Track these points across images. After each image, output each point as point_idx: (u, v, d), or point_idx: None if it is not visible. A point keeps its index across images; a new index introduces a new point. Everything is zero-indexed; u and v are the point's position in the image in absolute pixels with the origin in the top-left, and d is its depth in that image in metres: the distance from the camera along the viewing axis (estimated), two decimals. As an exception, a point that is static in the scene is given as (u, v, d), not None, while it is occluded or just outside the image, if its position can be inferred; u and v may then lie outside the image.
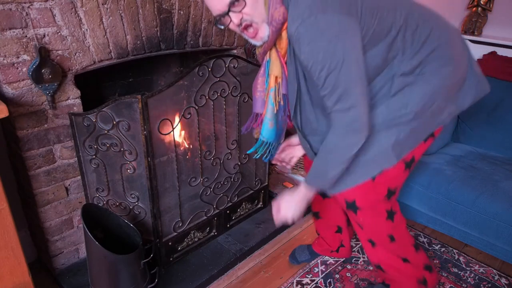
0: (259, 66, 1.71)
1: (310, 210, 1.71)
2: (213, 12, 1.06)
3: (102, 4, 1.33)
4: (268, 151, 1.33)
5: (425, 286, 1.46)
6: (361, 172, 1.19)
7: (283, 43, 1.10)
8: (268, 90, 1.21)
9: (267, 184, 2.03)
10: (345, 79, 1.00)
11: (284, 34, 1.08)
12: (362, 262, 1.81)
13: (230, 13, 1.02)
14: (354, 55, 0.99)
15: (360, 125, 1.05)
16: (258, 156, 1.33)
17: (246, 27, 1.06)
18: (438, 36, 1.12)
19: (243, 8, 1.01)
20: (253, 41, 1.11)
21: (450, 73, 1.14)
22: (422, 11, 1.13)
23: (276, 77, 1.17)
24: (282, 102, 1.21)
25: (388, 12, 1.04)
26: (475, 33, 2.37)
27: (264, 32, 1.07)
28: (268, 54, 1.18)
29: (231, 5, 1.01)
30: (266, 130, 1.26)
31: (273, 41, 1.11)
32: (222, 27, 1.09)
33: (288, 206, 1.24)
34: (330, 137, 1.10)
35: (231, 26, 1.06)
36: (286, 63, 1.14)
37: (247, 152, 1.36)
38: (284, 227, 1.99)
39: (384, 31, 1.04)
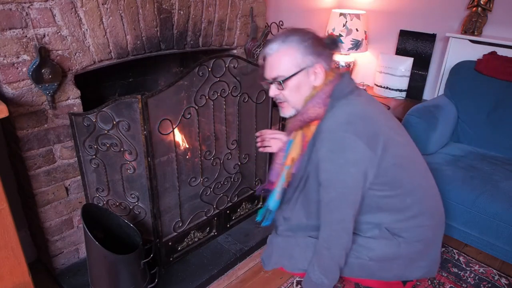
0: (259, 66, 1.73)
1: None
2: (264, 73, 1.22)
3: (102, 4, 1.33)
4: (269, 217, 1.42)
5: None
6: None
7: (310, 132, 1.21)
8: (284, 166, 1.32)
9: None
10: (342, 198, 1.11)
11: (313, 127, 1.19)
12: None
13: (271, 85, 1.21)
14: (359, 184, 1.10)
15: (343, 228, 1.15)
16: (259, 219, 1.44)
17: (278, 101, 1.25)
18: (427, 218, 1.24)
19: (281, 90, 1.19)
20: (280, 111, 1.28)
21: (421, 250, 1.23)
22: (430, 183, 1.28)
23: (293, 158, 1.28)
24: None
25: (404, 171, 1.16)
26: (475, 33, 2.37)
27: (289, 112, 1.24)
28: (293, 135, 1.30)
29: (275, 81, 1.18)
30: (273, 200, 1.36)
31: (298, 127, 1.24)
32: (265, 86, 1.26)
33: None
34: (321, 234, 1.19)
35: (269, 91, 1.23)
36: (307, 145, 1.24)
37: (256, 220, 1.47)
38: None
39: (394, 184, 1.16)
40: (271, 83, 1.20)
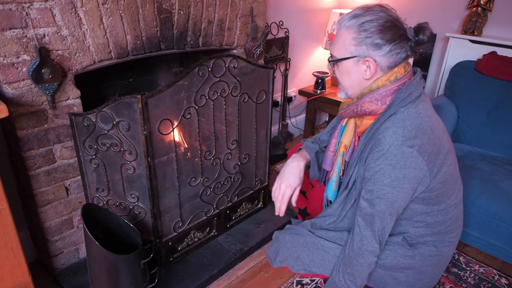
0: (259, 66, 1.72)
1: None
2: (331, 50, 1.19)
3: (102, 4, 1.33)
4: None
5: None
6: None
7: (363, 125, 1.17)
8: (337, 154, 1.28)
9: (267, 184, 2.03)
10: (389, 211, 1.08)
11: (366, 121, 1.15)
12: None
13: (330, 62, 1.17)
14: (408, 200, 1.09)
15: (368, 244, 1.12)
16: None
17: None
18: (451, 236, 1.23)
19: (334, 67, 1.17)
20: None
21: (433, 264, 1.23)
22: (462, 203, 1.27)
23: (345, 145, 1.25)
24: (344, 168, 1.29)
25: (446, 191, 1.14)
26: (475, 33, 2.37)
27: (340, 94, 1.21)
28: (345, 121, 1.27)
29: (331, 57, 1.16)
30: (330, 189, 1.33)
31: (352, 116, 1.19)
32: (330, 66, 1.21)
33: None
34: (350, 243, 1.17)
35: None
36: (358, 138, 1.21)
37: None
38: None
39: (433, 201, 1.14)
40: (329, 60, 1.17)
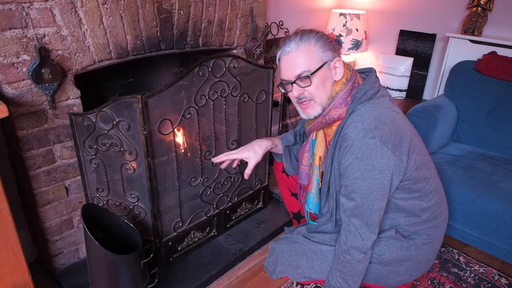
0: (259, 66, 1.72)
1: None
2: (282, 75, 1.18)
3: (102, 4, 1.33)
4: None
5: None
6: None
7: (332, 132, 1.21)
8: (313, 167, 1.31)
9: (267, 184, 2.03)
10: (366, 204, 1.11)
11: (334, 127, 1.19)
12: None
13: (294, 85, 1.16)
14: (384, 191, 1.10)
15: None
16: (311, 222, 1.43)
17: (303, 102, 1.18)
18: (440, 220, 1.26)
19: (307, 86, 1.14)
20: (301, 113, 1.23)
21: (428, 252, 1.26)
22: (441, 186, 1.32)
23: (320, 157, 1.28)
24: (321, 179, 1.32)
25: (422, 176, 1.17)
26: (475, 33, 2.37)
27: (315, 111, 1.18)
28: (314, 134, 1.30)
29: (298, 78, 1.13)
30: (312, 203, 1.35)
31: (321, 127, 1.22)
32: (283, 91, 1.21)
33: None
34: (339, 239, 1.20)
35: (290, 95, 1.19)
36: (330, 145, 1.23)
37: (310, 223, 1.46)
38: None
39: (413, 189, 1.17)
40: (293, 82, 1.15)
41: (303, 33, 1.15)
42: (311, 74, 1.13)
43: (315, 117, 1.20)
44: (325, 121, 1.18)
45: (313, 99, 1.17)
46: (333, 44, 1.15)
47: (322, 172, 1.29)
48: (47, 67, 1.24)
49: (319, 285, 1.69)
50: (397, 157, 1.08)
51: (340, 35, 2.75)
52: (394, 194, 1.15)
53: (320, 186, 1.31)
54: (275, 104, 2.77)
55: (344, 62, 1.18)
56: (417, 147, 1.15)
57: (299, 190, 1.43)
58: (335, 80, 1.16)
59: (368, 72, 1.21)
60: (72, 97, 1.38)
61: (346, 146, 1.10)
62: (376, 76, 1.20)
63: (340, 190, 1.16)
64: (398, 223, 1.22)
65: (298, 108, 1.22)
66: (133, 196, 1.53)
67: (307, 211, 1.37)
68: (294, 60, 1.14)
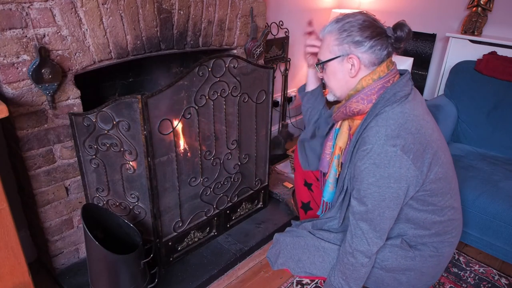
0: (259, 66, 1.72)
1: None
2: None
3: (102, 4, 1.33)
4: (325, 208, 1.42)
5: None
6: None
7: (355, 126, 1.20)
8: (333, 157, 1.30)
9: (267, 184, 2.03)
10: (377, 211, 1.08)
11: (357, 121, 1.18)
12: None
13: (318, 66, 1.21)
14: (398, 200, 1.07)
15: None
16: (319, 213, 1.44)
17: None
18: (450, 237, 1.22)
19: (320, 72, 1.22)
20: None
21: (434, 265, 1.22)
22: (459, 204, 1.26)
23: (341, 148, 1.27)
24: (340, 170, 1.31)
25: (440, 190, 1.13)
26: (475, 33, 2.37)
27: (329, 96, 1.25)
28: (339, 124, 1.29)
29: (317, 62, 1.21)
30: (327, 191, 1.35)
31: (342, 117, 1.23)
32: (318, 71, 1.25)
33: None
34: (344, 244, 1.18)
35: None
36: (352, 137, 1.22)
37: (318, 214, 1.46)
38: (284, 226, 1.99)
39: (428, 202, 1.13)
40: (317, 64, 1.22)
41: (337, 21, 1.15)
42: (320, 64, 1.18)
43: (337, 107, 1.23)
44: (346, 113, 1.18)
45: (326, 84, 1.23)
46: (364, 35, 1.09)
47: (342, 163, 1.28)
48: (47, 67, 1.24)
49: (319, 285, 1.69)
50: (417, 168, 1.04)
51: (340, 35, 2.75)
52: (408, 204, 1.12)
53: (337, 176, 1.30)
54: (275, 104, 2.77)
55: (380, 58, 1.13)
56: (440, 159, 1.11)
57: (321, 177, 1.42)
58: (351, 77, 1.15)
59: (401, 74, 1.19)
60: (72, 97, 1.38)
61: (364, 150, 1.06)
62: (409, 78, 1.16)
63: (352, 192, 1.14)
64: (406, 233, 1.19)
65: None
66: (133, 196, 1.54)
67: (323, 201, 1.37)
68: (320, 45, 1.21)
